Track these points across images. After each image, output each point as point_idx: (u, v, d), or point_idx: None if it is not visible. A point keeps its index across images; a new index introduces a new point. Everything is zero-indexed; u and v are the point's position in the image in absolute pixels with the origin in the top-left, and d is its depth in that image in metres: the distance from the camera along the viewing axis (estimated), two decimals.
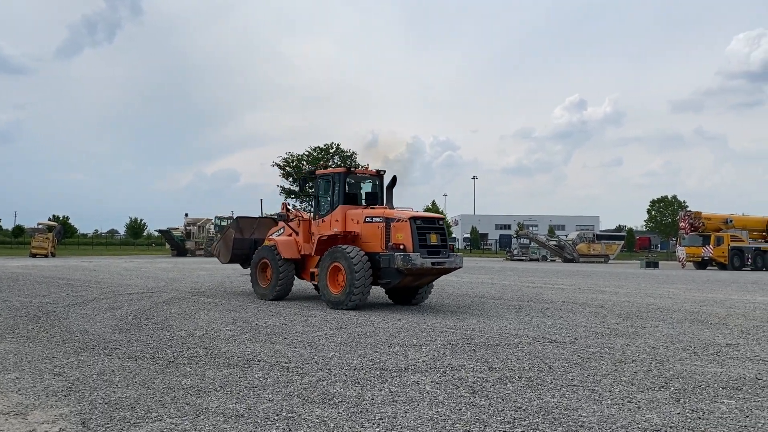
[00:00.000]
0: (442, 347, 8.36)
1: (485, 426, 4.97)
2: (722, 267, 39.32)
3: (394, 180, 13.92)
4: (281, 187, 62.60)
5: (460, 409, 5.41)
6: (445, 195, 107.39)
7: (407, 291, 13.56)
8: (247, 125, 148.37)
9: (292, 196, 62.81)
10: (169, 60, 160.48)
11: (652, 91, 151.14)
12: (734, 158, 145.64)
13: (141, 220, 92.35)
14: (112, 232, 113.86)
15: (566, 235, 64.21)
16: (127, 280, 20.47)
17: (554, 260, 55.79)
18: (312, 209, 14.49)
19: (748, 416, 5.31)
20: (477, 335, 9.44)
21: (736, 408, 5.56)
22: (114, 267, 29.43)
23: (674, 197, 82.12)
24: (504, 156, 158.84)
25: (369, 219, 12.92)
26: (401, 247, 12.15)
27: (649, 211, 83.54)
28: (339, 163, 62.00)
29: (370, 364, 7.21)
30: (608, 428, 4.93)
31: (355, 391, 5.98)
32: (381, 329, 9.88)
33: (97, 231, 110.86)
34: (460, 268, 13.13)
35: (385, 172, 14.18)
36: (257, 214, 17.78)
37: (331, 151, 63.26)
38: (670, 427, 4.97)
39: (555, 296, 16.14)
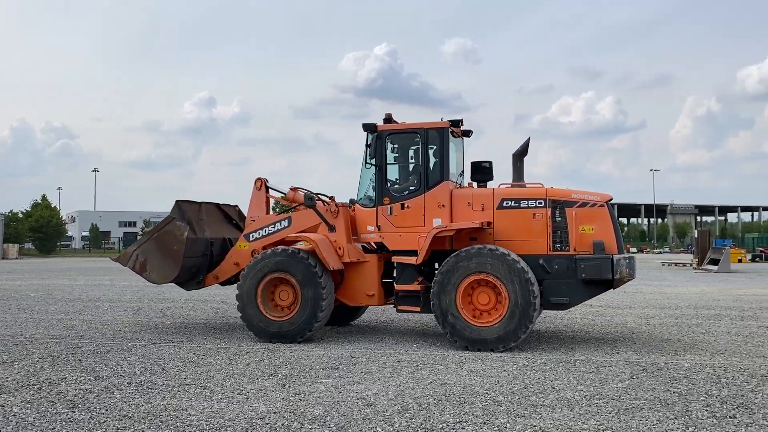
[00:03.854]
0: (41, 360, 7.39)
1: None
2: None
3: (526, 145, 9.46)
4: None
5: (55, 428, 4.81)
6: (59, 188, 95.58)
7: None
8: None
9: None
10: None
11: (276, 97, 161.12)
12: (346, 162, 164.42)
13: None
14: None
15: None
16: None
17: None
18: (373, 190, 9.13)
19: (341, 392, 5.92)
20: (86, 343, 8.62)
21: (332, 386, 6.17)
22: None
23: None
24: (130, 149, 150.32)
25: (511, 202, 8.56)
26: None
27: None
28: None
29: None
30: (216, 423, 4.95)
31: None
32: None
33: None
34: None
35: (471, 133, 9.66)
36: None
37: None
38: (274, 412, 5.24)
39: (177, 295, 15.82)
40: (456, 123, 9.02)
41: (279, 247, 8.98)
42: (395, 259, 8.85)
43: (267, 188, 9.94)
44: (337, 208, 9.13)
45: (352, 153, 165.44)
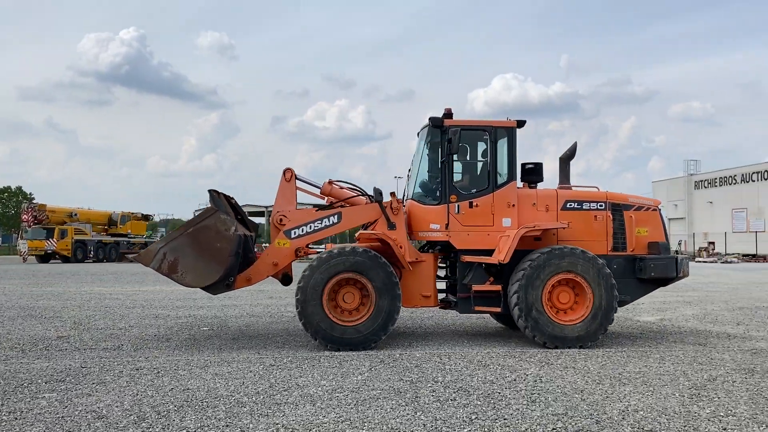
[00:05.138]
0: None
1: None
2: (66, 260, 39.78)
3: (574, 149, 9.54)
4: None
5: None
6: None
7: None
8: None
9: None
10: None
11: None
12: (83, 152, 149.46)
13: None
14: None
15: None
16: None
17: None
18: (419, 187, 9.04)
19: (67, 406, 5.34)
20: None
21: (57, 400, 5.53)
22: None
23: (20, 188, 78.63)
24: None
25: (574, 204, 8.84)
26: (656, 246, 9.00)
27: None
28: None
29: None
30: None
31: None
32: None
33: None
34: None
35: None
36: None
37: None
38: None
39: None
40: (521, 124, 8.94)
41: (358, 246, 8.39)
42: (467, 258, 8.62)
43: (296, 180, 9.00)
44: (398, 205, 8.69)
45: (90, 142, 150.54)
